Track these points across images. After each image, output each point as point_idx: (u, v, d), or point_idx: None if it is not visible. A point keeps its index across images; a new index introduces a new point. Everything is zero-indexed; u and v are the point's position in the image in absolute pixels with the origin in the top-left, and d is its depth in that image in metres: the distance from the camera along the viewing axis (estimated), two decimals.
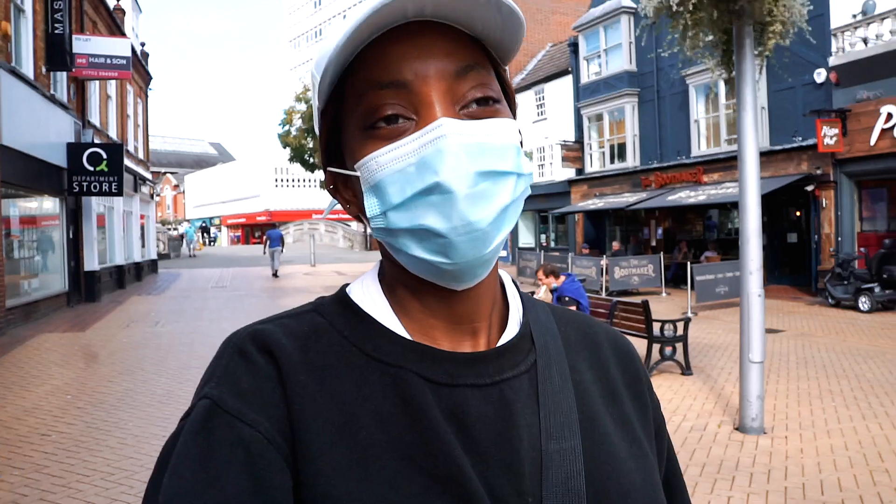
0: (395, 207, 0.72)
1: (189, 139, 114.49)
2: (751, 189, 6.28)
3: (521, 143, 0.79)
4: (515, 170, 0.74)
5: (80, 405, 7.81)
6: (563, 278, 8.59)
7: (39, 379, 9.20)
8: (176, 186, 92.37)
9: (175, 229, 60.63)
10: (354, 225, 51.74)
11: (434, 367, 0.75)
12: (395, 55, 0.73)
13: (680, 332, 9.23)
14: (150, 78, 30.84)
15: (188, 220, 79.29)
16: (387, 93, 0.73)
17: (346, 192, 0.82)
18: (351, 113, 0.76)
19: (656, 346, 9.21)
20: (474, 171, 0.70)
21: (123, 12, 24.78)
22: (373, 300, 0.81)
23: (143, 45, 29.60)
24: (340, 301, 0.82)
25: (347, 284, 0.86)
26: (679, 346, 9.28)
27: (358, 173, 0.75)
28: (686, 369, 9.13)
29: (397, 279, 0.81)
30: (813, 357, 10.34)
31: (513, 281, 0.91)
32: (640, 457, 0.82)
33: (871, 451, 6.08)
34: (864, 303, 15.46)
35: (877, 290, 15.34)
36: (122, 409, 7.62)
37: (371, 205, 0.74)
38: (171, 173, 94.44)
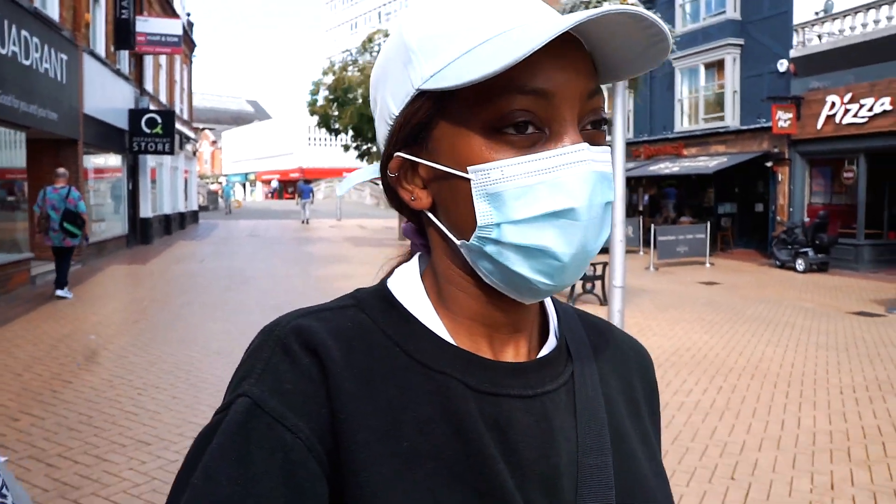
0: (516, 222, 0.69)
1: (227, 96, 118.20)
2: (619, 169, 9.03)
3: None
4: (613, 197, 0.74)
5: (153, 310, 10.96)
6: None
7: (123, 292, 12.36)
8: (214, 142, 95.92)
9: (214, 183, 64.08)
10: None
11: (478, 375, 0.73)
12: (543, 63, 0.68)
13: (599, 272, 12.15)
14: (195, 45, 33.89)
15: (225, 176, 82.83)
16: (526, 99, 0.68)
17: (414, 182, 0.77)
18: (465, 109, 0.71)
19: (580, 283, 12.13)
20: (601, 201, 0.70)
21: None
22: (416, 299, 0.78)
23: (188, 15, 32.61)
24: (381, 296, 0.79)
25: (387, 278, 0.82)
26: (598, 283, 12.20)
27: (470, 176, 0.70)
28: (603, 301, 12.00)
29: (450, 280, 0.77)
30: (718, 301, 13.13)
31: None
32: (658, 474, 0.83)
33: (698, 350, 8.95)
34: (799, 264, 18.11)
35: (810, 253, 17.99)
36: (181, 317, 10.75)
37: (484, 213, 0.70)
38: (210, 129, 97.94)
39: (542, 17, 0.71)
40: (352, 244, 23.73)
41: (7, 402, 6.11)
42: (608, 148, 0.74)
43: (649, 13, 0.67)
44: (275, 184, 79.53)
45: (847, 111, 18.06)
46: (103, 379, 6.94)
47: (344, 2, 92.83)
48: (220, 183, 64.60)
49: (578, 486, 0.73)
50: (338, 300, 0.80)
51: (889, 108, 16.91)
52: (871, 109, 17.41)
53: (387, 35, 22.46)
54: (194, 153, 35.20)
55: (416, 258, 0.84)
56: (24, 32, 12.07)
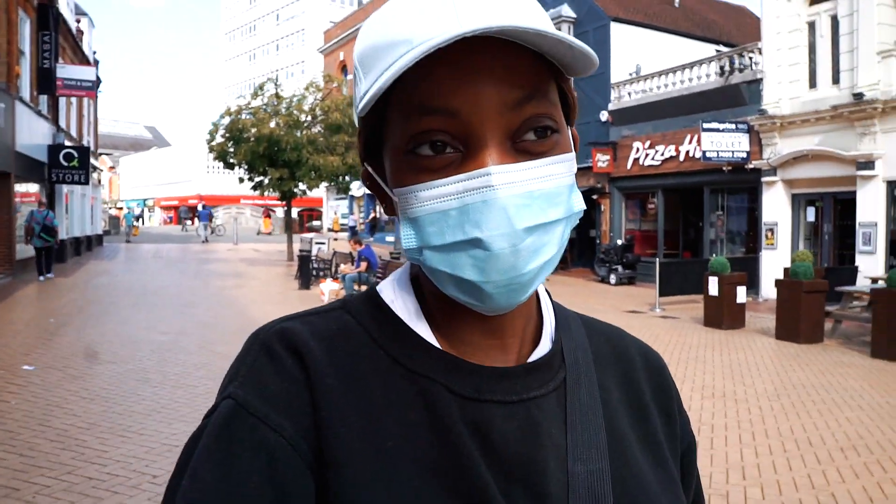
0: (433, 248, 0.69)
1: (125, 121, 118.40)
2: None
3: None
4: (566, 214, 0.71)
5: (89, 310, 14.30)
6: (363, 246, 15.27)
7: (59, 295, 15.57)
8: (112, 168, 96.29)
9: (113, 208, 65.66)
10: (279, 211, 57.76)
11: (462, 380, 0.73)
12: (443, 77, 0.66)
13: None
14: (100, 82, 36.52)
15: (123, 201, 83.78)
16: (433, 119, 0.67)
17: (382, 191, 0.78)
18: (394, 126, 0.71)
19: None
20: (521, 227, 0.66)
21: (82, 32, 30.70)
22: (404, 303, 0.78)
23: (94, 52, 35.34)
24: (370, 300, 0.80)
25: (377, 283, 0.83)
26: None
27: (396, 198, 0.72)
28: None
29: (430, 290, 0.77)
30: None
31: (547, 292, 0.88)
32: (666, 480, 0.81)
33: None
34: (612, 278, 22.60)
35: (620, 269, 22.50)
36: (110, 313, 14.14)
37: (408, 237, 0.71)
38: (107, 154, 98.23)
39: (442, 31, 0.63)
40: (246, 264, 27.08)
41: None
42: (551, 159, 0.69)
43: (523, 27, 0.63)
44: (183, 209, 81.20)
45: (647, 155, 22.80)
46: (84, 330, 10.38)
47: (242, 34, 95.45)
48: (120, 209, 66.19)
49: (570, 492, 0.72)
50: (326, 305, 0.81)
51: (674, 153, 21.70)
52: (662, 154, 22.16)
53: (277, 85, 26.16)
54: (99, 181, 37.74)
55: (408, 263, 0.83)
56: None
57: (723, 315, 13.73)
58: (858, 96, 16.11)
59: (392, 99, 0.70)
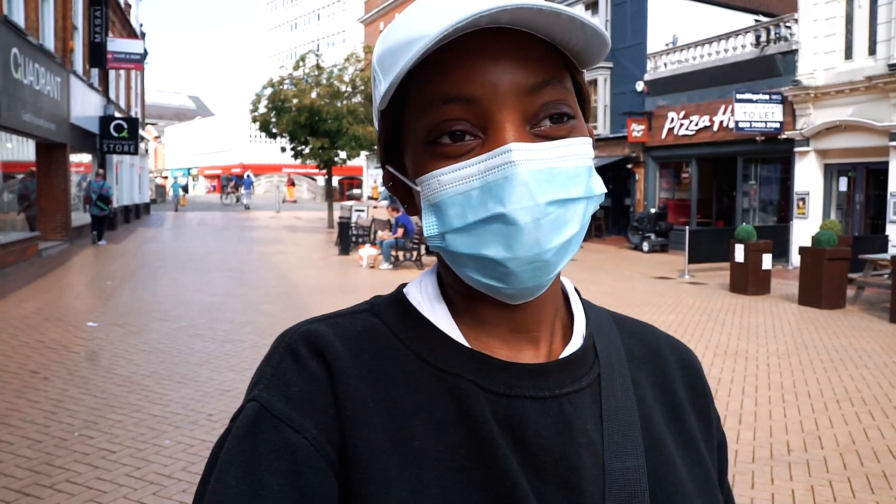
0: (456, 231, 0.70)
1: (170, 91, 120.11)
2: None
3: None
4: (586, 194, 0.72)
5: (141, 273, 15.17)
6: (400, 213, 15.88)
7: (112, 260, 16.48)
8: (157, 137, 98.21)
9: (159, 178, 67.28)
10: (320, 179, 58.75)
11: (492, 376, 0.73)
12: (462, 66, 0.68)
13: None
14: (147, 54, 37.49)
15: (168, 171, 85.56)
16: (452, 108, 0.69)
17: (403, 190, 0.79)
18: (413, 122, 0.73)
19: None
20: (543, 201, 0.67)
21: (130, 6, 31.56)
22: (431, 303, 0.79)
23: (141, 25, 36.26)
24: (397, 301, 0.80)
25: (405, 284, 0.84)
26: None
27: (418, 188, 0.73)
28: None
29: (454, 287, 0.78)
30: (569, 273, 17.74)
31: (575, 288, 0.88)
32: (702, 479, 0.80)
33: None
34: (645, 246, 22.96)
35: (652, 237, 22.85)
36: (160, 276, 14.98)
37: (429, 224, 0.72)
38: (152, 124, 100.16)
39: (454, 19, 0.64)
40: (288, 231, 28.03)
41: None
42: (569, 141, 0.71)
43: (535, 5, 0.65)
44: (224, 177, 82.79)
45: (682, 125, 22.99)
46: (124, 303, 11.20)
47: (284, 3, 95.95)
48: (165, 178, 67.77)
49: (605, 490, 0.72)
50: (354, 306, 0.81)
51: (707, 124, 21.88)
52: (696, 124, 22.36)
53: (318, 56, 26.78)
54: (146, 151, 38.91)
55: (435, 264, 0.84)
56: (35, 65, 16.05)
57: (748, 281, 14.10)
58: (894, 67, 16.19)
59: (411, 96, 0.72)
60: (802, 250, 13.29)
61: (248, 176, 48.80)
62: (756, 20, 23.88)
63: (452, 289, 0.79)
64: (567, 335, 0.82)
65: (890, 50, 16.48)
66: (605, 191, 0.75)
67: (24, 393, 6.28)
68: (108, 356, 7.67)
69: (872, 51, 17.18)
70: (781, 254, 17.19)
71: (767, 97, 19.15)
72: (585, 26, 0.69)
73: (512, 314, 0.76)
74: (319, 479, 0.66)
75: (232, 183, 55.55)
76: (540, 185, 0.67)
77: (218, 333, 9.09)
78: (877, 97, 16.86)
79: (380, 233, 18.34)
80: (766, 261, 14.28)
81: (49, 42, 17.93)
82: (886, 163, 16.86)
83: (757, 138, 19.79)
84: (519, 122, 0.69)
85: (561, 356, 0.78)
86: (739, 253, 14.27)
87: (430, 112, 0.70)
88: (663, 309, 12.01)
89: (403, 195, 0.80)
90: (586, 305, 0.87)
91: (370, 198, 49.86)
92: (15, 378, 6.73)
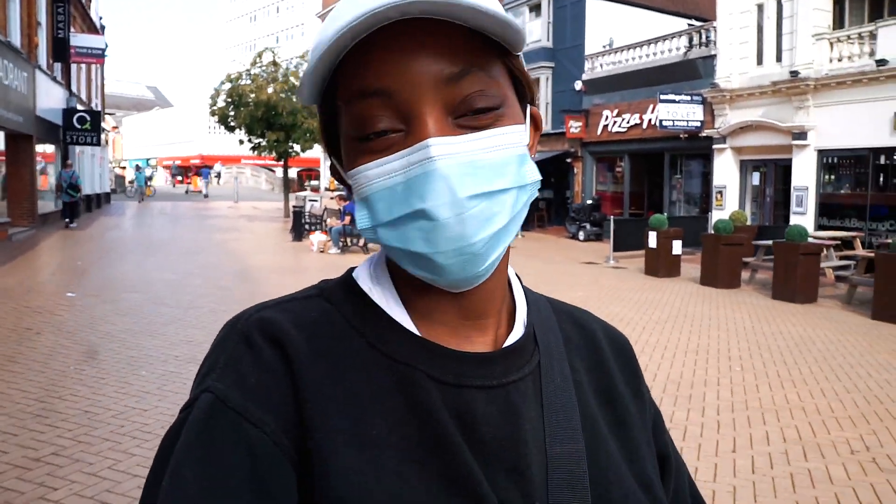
0: (384, 225, 0.70)
1: (127, 81, 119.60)
2: None
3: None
4: (516, 184, 0.71)
5: (109, 256, 16.42)
6: (347, 202, 17.30)
7: (80, 245, 17.68)
8: (115, 128, 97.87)
9: (117, 168, 67.57)
10: (278, 171, 59.63)
11: (442, 366, 0.73)
12: (379, 60, 0.67)
13: None
14: (107, 47, 38.31)
15: (126, 161, 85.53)
16: (372, 102, 0.68)
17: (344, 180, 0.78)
18: (342, 116, 0.72)
19: None
20: (465, 195, 0.66)
21: (90, 0, 32.48)
22: (381, 290, 0.78)
23: (101, 18, 37.07)
24: (346, 286, 0.80)
25: (354, 268, 0.83)
26: None
27: (350, 181, 0.73)
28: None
29: (401, 275, 0.77)
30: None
31: (516, 275, 0.88)
32: (635, 460, 0.82)
33: None
34: (581, 235, 24.66)
35: (588, 227, 24.56)
36: (126, 260, 16.25)
37: (362, 217, 0.72)
38: (110, 114, 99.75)
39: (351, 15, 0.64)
40: (245, 220, 29.30)
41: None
42: (495, 131, 0.69)
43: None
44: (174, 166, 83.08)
45: (615, 122, 24.76)
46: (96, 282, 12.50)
47: None
48: (124, 168, 68.09)
49: (548, 473, 0.73)
50: (303, 290, 0.80)
51: (638, 122, 23.67)
52: (628, 122, 24.12)
53: (274, 52, 28.03)
54: (106, 141, 39.76)
55: (382, 248, 0.79)
56: (4, 61, 17.17)
57: (659, 265, 15.80)
58: (794, 74, 18.04)
59: (339, 89, 0.71)
60: (703, 237, 15.05)
61: (217, 167, 51.70)
62: (689, 24, 25.69)
63: (400, 276, 0.77)
64: (512, 323, 0.82)
65: (792, 58, 18.32)
66: (540, 178, 0.75)
67: (23, 342, 7.68)
68: (88, 318, 9.05)
69: (779, 58, 19.02)
70: (700, 242, 18.96)
71: (689, 98, 20.95)
72: (488, 14, 0.66)
73: (459, 301, 0.76)
74: (278, 473, 0.65)
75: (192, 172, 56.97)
76: (461, 180, 0.66)
77: (181, 302, 10.49)
78: (782, 100, 18.71)
79: (328, 220, 19.75)
80: (676, 246, 15.96)
81: (16, 38, 19.00)
82: (790, 160, 18.71)
83: (681, 136, 21.59)
84: (440, 114, 0.68)
85: (505, 345, 0.79)
86: (653, 239, 15.96)
87: (352, 107, 0.69)
88: (576, 288, 13.60)
89: (346, 184, 0.77)
90: (526, 292, 0.88)
91: (327, 189, 51.01)
92: (13, 332, 8.11)
